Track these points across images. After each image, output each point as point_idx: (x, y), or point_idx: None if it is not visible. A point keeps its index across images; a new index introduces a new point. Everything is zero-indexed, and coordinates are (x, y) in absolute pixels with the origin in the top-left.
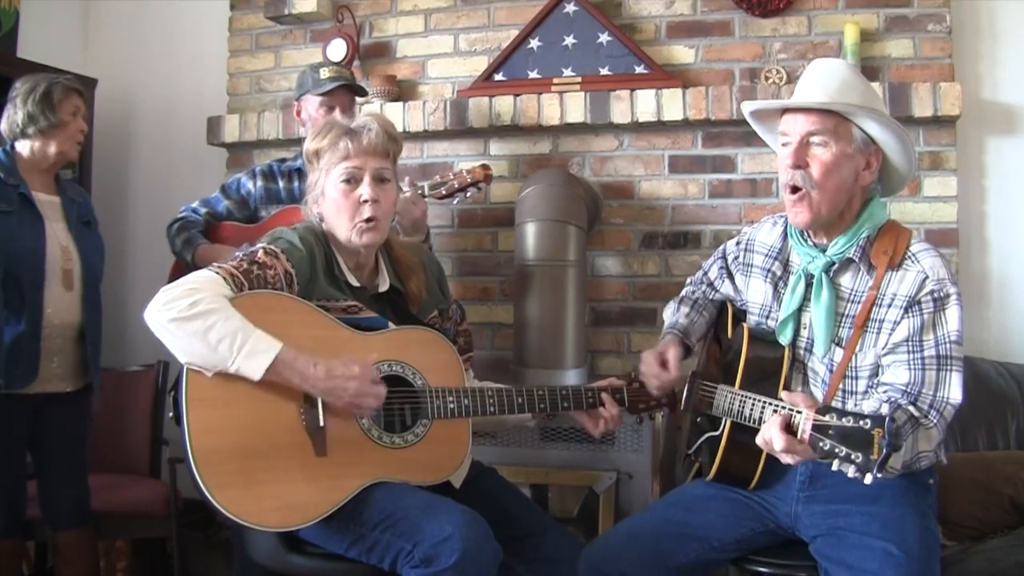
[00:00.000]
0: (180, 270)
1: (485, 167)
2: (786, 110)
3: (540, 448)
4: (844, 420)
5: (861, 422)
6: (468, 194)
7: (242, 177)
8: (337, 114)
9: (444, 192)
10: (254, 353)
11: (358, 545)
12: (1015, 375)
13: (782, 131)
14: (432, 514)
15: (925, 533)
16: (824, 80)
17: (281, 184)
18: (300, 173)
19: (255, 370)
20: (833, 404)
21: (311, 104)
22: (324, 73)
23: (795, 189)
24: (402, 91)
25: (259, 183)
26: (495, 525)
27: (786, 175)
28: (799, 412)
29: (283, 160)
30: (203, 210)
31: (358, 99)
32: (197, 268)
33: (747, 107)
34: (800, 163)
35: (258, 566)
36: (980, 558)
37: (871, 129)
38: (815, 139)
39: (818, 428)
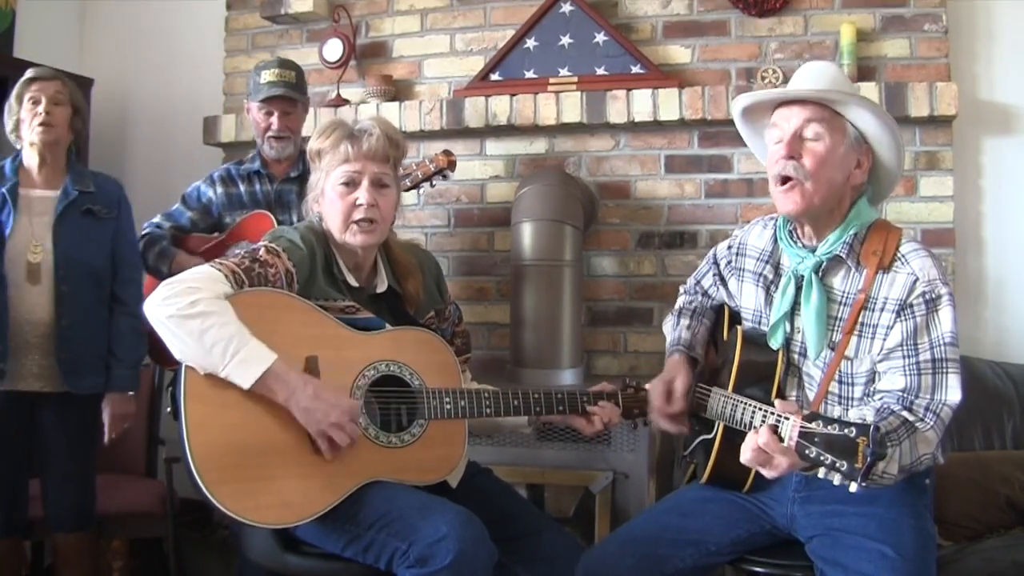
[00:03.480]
0: (153, 287)
1: (447, 153)
2: (779, 106)
3: (536, 448)
4: (831, 428)
5: (846, 430)
6: (433, 183)
7: (201, 185)
8: (274, 121)
9: (409, 184)
10: (246, 362)
11: (354, 545)
12: (1011, 375)
13: (774, 123)
14: (427, 514)
15: (921, 534)
16: (815, 76)
17: (242, 188)
18: (259, 175)
19: (245, 379)
20: (820, 411)
21: (253, 108)
22: (264, 77)
23: (785, 179)
24: (398, 91)
25: (219, 189)
26: (491, 525)
27: (777, 167)
28: (786, 418)
29: (240, 162)
30: (167, 224)
31: (352, 100)
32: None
33: (742, 100)
34: (793, 154)
35: (258, 566)
36: (977, 558)
37: (864, 123)
38: (808, 132)
39: (805, 435)
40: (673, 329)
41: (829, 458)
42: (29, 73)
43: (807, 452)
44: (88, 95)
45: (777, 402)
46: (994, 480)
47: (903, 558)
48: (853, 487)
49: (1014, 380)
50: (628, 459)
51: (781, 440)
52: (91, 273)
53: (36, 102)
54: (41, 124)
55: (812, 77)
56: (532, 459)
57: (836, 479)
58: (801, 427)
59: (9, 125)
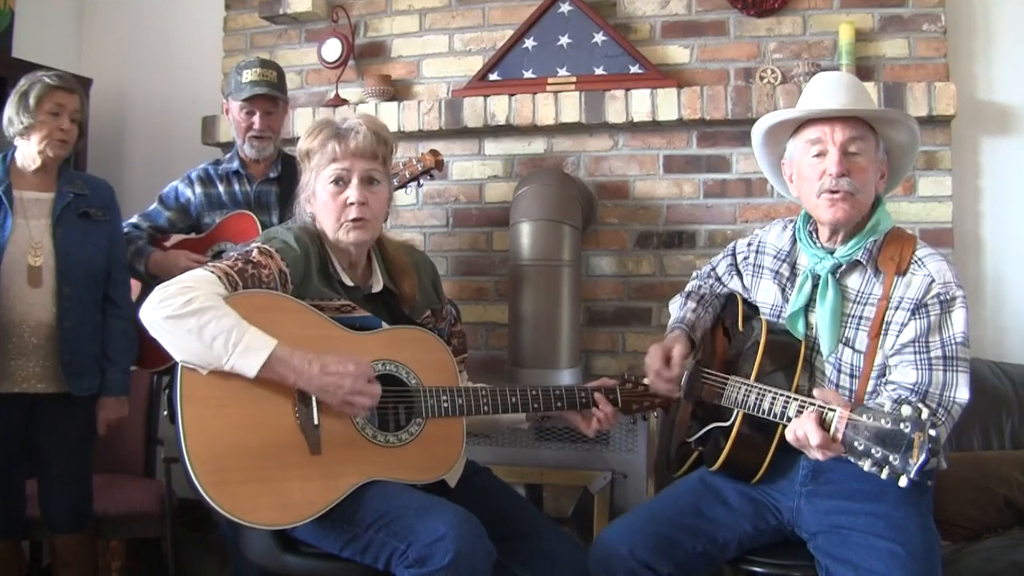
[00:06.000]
0: (136, 288)
1: (435, 153)
2: (812, 120)
3: (535, 448)
4: (882, 421)
5: (901, 425)
6: (421, 182)
7: (178, 185)
8: (256, 120)
9: (396, 183)
10: (249, 350)
11: (352, 545)
12: (1010, 375)
13: (815, 138)
14: (425, 514)
15: (927, 533)
16: (846, 90)
17: (221, 188)
18: (238, 175)
19: (250, 367)
20: (867, 403)
21: (234, 107)
22: (246, 76)
23: (836, 191)
24: (397, 91)
25: (198, 190)
26: (490, 525)
27: (828, 181)
28: (832, 410)
29: (218, 162)
30: (145, 224)
31: (351, 100)
32: (152, 277)
33: (779, 115)
34: (844, 170)
35: (254, 566)
36: (975, 558)
37: (897, 137)
38: (852, 147)
39: (853, 427)
40: (679, 309)
41: (880, 452)
42: (52, 80)
43: (856, 444)
44: (87, 95)
45: (817, 391)
46: (992, 480)
47: (912, 556)
48: (904, 481)
49: (1012, 380)
50: (627, 459)
51: (827, 430)
52: (91, 275)
53: (56, 114)
54: (61, 140)
55: (843, 91)
56: (531, 459)
57: (884, 473)
58: (849, 419)
59: (18, 125)
